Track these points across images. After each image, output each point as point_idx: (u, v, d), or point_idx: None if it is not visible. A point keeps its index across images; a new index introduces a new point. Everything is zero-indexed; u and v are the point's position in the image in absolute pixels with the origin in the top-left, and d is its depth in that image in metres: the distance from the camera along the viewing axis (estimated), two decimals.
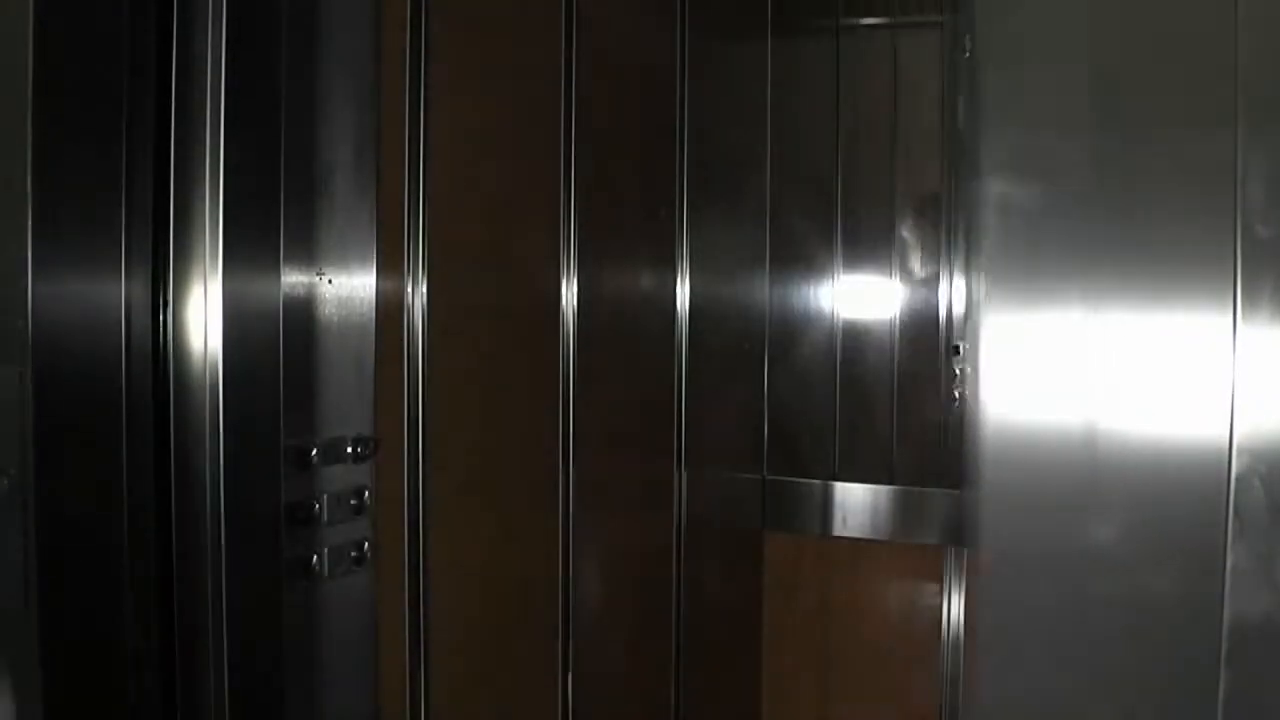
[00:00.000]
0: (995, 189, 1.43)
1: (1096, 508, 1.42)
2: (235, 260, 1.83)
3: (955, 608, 2.82)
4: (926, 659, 2.87)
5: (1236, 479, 1.46)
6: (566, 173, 2.60)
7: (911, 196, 3.97)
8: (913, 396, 4.02)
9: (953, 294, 4.20)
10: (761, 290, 3.11)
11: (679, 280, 2.77)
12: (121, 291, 1.77)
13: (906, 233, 3.96)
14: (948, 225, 4.19)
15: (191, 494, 1.82)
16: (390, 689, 2.58)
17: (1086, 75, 1.43)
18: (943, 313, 4.16)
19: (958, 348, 4.22)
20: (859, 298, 3.63)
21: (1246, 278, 1.46)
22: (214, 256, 1.81)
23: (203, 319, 1.82)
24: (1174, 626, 1.43)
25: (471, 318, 2.72)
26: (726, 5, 3.03)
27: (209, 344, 1.82)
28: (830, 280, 3.47)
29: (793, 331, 3.32)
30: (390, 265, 2.45)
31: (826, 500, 3.06)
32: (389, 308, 2.39)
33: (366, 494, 2.15)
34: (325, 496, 2.06)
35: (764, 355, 3.11)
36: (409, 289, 2.64)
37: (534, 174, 2.71)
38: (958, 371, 4.22)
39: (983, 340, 1.48)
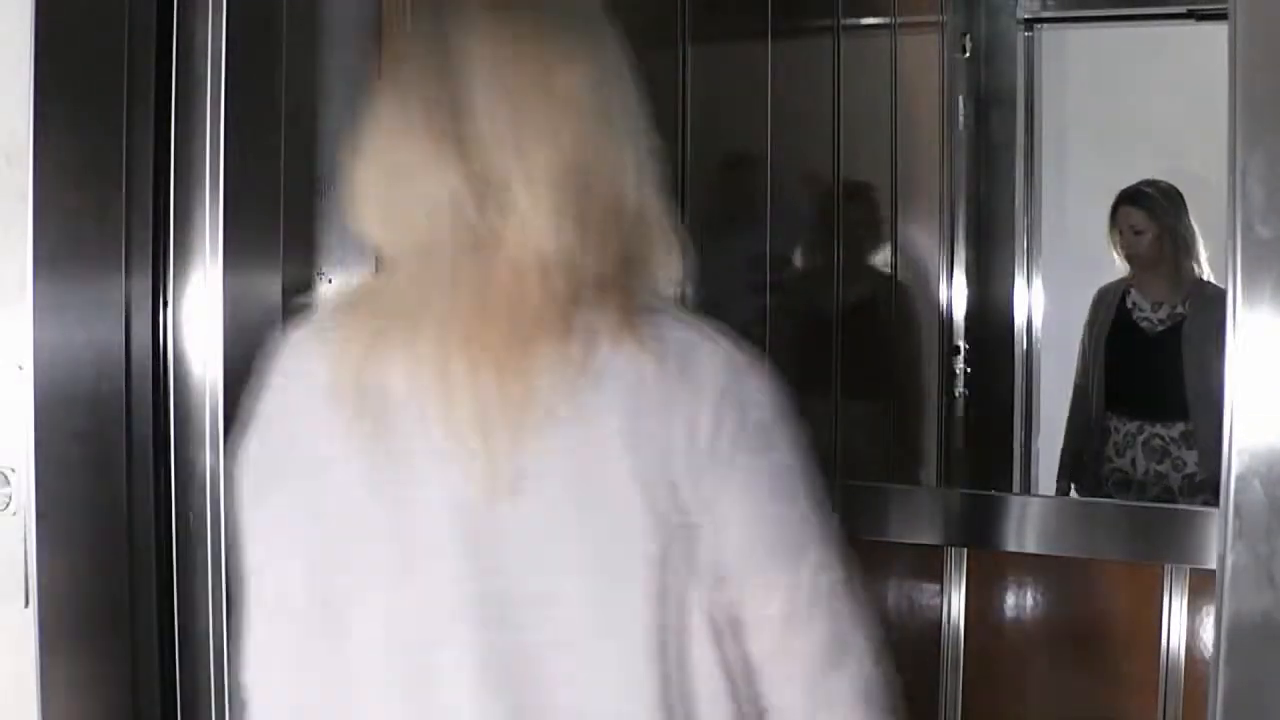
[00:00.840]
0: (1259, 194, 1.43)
1: None
2: (235, 260, 1.83)
3: (955, 608, 2.82)
4: (926, 660, 2.87)
5: (1236, 479, 1.46)
6: None
7: (911, 196, 3.97)
8: (913, 396, 4.02)
9: (952, 294, 4.21)
10: (762, 289, 3.10)
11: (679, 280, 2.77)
12: (123, 290, 1.77)
13: (907, 231, 3.96)
14: (948, 224, 4.19)
15: (191, 491, 1.82)
16: None
17: None
18: (943, 312, 4.16)
19: (958, 348, 4.22)
20: (859, 296, 3.63)
21: (1246, 277, 1.46)
22: (214, 256, 1.81)
23: (203, 318, 1.82)
24: None
25: None
26: (726, 5, 3.03)
27: (209, 343, 1.82)
28: (830, 279, 3.47)
29: (792, 330, 3.32)
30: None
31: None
32: None
33: None
34: None
35: (764, 355, 3.10)
36: None
37: None
38: (958, 371, 4.22)
39: (1242, 350, 1.47)
